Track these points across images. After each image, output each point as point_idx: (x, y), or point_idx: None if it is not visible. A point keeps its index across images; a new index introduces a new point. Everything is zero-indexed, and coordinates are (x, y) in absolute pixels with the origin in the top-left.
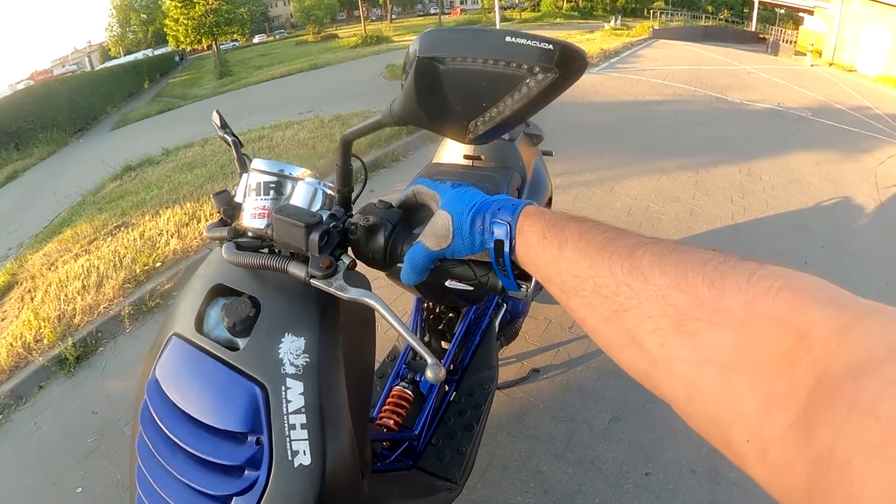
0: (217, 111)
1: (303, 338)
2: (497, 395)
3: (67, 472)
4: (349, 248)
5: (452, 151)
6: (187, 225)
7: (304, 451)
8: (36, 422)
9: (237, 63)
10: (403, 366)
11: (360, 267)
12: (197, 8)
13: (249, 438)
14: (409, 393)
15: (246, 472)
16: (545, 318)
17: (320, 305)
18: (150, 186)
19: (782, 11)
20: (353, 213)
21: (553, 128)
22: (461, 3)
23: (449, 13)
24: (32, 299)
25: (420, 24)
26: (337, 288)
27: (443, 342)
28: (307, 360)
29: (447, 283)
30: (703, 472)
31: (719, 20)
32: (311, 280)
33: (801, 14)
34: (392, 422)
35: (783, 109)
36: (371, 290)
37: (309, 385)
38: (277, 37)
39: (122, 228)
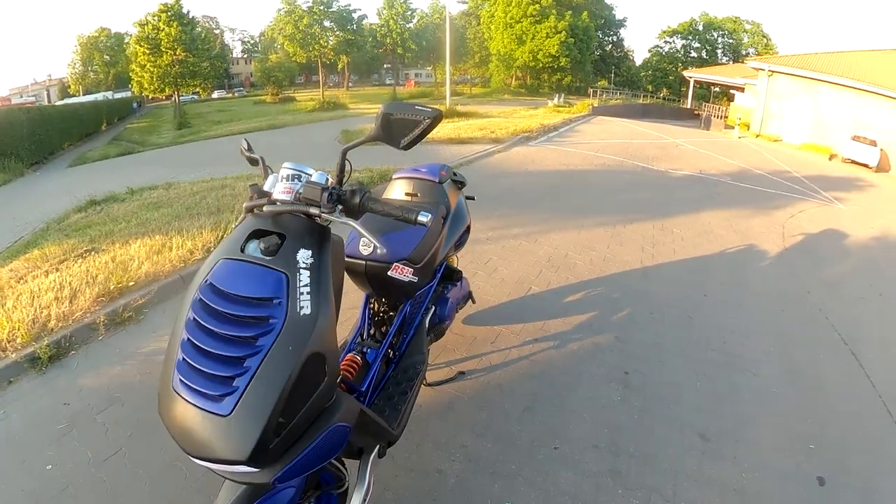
0: (245, 138)
1: (310, 250)
2: (429, 391)
3: (37, 452)
4: (340, 206)
5: (397, 190)
6: (159, 253)
7: (307, 306)
8: (5, 410)
9: (195, 116)
10: (354, 343)
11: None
12: (164, 57)
13: (275, 301)
14: (359, 359)
15: (270, 320)
16: (471, 336)
17: (321, 234)
18: (118, 220)
19: (717, 89)
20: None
21: (489, 193)
22: (416, 76)
23: (403, 85)
24: (2, 305)
25: (375, 93)
26: (336, 216)
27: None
28: (311, 260)
29: (389, 273)
30: (604, 447)
31: (658, 98)
32: (322, 214)
33: (732, 91)
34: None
35: (704, 176)
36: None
37: (312, 273)
38: (236, 94)
39: (92, 253)
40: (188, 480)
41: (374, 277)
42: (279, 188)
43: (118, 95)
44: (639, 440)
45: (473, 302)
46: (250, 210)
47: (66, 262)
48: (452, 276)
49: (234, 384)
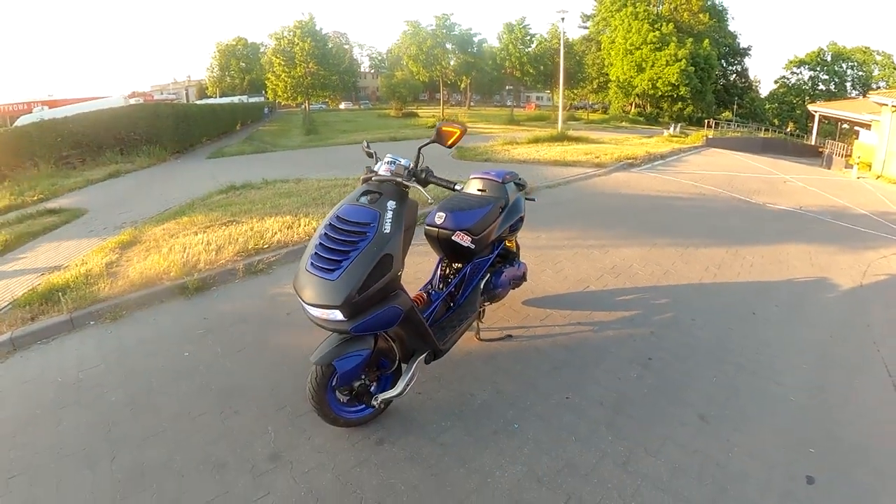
0: (365, 139)
1: (395, 202)
2: (480, 344)
3: (178, 345)
4: (414, 178)
5: (472, 186)
6: (290, 227)
7: (388, 228)
8: (155, 319)
9: (323, 124)
10: (425, 288)
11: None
12: (298, 69)
13: (371, 224)
14: (425, 296)
15: (367, 233)
16: (525, 314)
17: (402, 194)
18: (254, 202)
19: (845, 126)
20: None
21: (576, 209)
22: (537, 98)
23: (524, 107)
24: (159, 251)
25: (494, 113)
26: (413, 184)
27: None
28: (395, 206)
29: (453, 238)
30: (609, 406)
31: (783, 133)
32: (404, 182)
33: (857, 128)
34: None
35: (801, 212)
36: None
37: (394, 213)
38: (362, 106)
39: (234, 223)
40: (288, 369)
41: (443, 241)
42: (382, 168)
43: (252, 100)
44: (641, 408)
45: (526, 280)
46: (364, 181)
47: (211, 227)
48: (509, 256)
49: (341, 264)
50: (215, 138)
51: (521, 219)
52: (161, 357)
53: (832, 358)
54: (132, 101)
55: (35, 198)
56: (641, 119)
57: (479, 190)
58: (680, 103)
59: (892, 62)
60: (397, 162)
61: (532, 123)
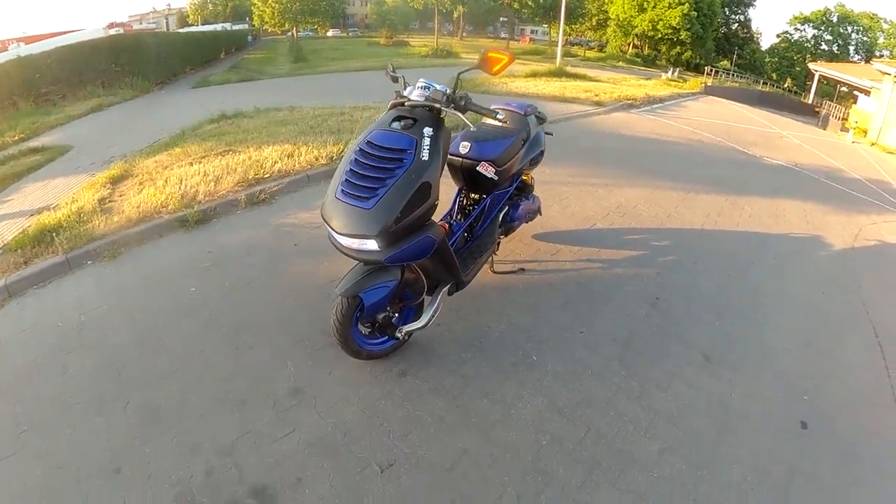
0: (391, 63)
1: (431, 128)
2: (494, 277)
3: (182, 280)
4: (452, 104)
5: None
6: (290, 157)
7: (426, 156)
8: (156, 254)
9: (311, 52)
10: (445, 217)
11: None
12: None
13: (408, 151)
14: (447, 226)
15: (403, 160)
16: (536, 248)
17: (438, 121)
18: (249, 131)
19: (844, 89)
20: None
21: (579, 147)
22: (531, 32)
23: (518, 40)
24: (154, 184)
25: (488, 45)
26: (452, 110)
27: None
28: (431, 133)
29: (477, 168)
30: (620, 342)
31: (780, 88)
32: (441, 108)
33: (856, 93)
34: None
35: (797, 168)
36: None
37: (431, 140)
38: (351, 34)
39: (230, 153)
40: (301, 301)
41: (466, 171)
42: (416, 93)
43: (235, 27)
44: (650, 345)
45: (540, 214)
46: (394, 106)
47: (206, 157)
48: (525, 189)
49: (377, 192)
50: (199, 67)
51: (542, 153)
52: (165, 294)
53: (825, 314)
54: (112, 32)
55: (16, 138)
56: (638, 60)
57: (500, 121)
58: (679, 47)
59: None
60: (433, 87)
61: (527, 57)
